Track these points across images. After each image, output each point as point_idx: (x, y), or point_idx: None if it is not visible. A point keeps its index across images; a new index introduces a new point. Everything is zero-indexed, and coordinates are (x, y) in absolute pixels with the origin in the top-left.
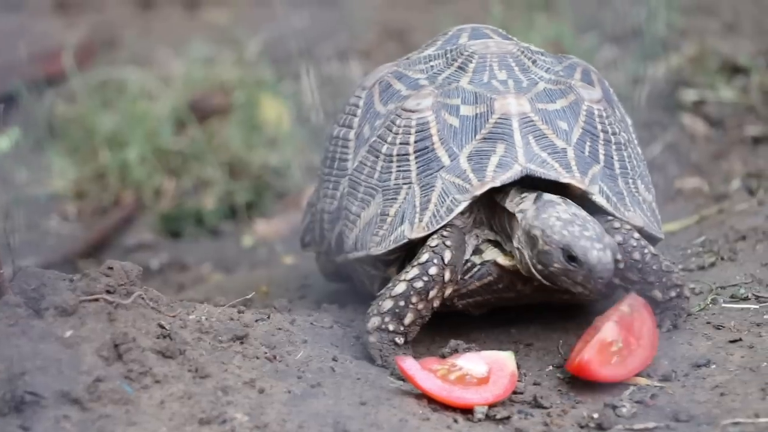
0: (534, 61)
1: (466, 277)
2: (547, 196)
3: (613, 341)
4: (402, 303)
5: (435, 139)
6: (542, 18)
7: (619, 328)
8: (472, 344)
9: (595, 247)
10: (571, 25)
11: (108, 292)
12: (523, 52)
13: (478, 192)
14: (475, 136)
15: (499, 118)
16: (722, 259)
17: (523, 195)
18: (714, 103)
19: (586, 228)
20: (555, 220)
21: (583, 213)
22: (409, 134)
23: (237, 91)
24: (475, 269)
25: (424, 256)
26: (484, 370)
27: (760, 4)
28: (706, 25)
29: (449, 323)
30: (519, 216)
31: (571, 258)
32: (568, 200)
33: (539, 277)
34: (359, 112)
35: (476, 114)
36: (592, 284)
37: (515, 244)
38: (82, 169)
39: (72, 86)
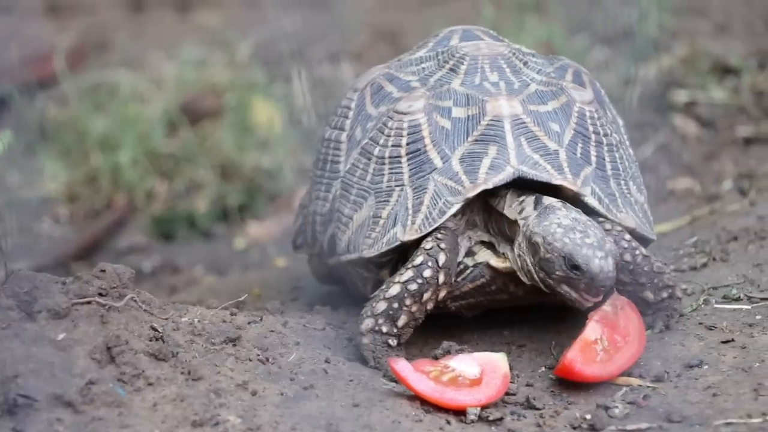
0: (525, 63)
1: (458, 279)
2: (546, 200)
3: (596, 340)
4: (396, 305)
5: (427, 141)
6: (533, 19)
7: (602, 327)
8: (465, 346)
9: (597, 255)
10: (563, 27)
11: (100, 294)
12: (514, 54)
13: (471, 194)
14: (467, 138)
15: (491, 120)
16: (714, 259)
17: (521, 199)
18: (705, 104)
19: (587, 235)
20: (556, 227)
21: (584, 217)
22: (401, 136)
23: (228, 93)
24: (468, 271)
25: (419, 259)
26: (476, 371)
27: (751, 5)
28: (697, 26)
29: (442, 325)
30: (521, 223)
31: (573, 266)
32: (568, 204)
33: (542, 286)
34: (351, 114)
35: (468, 116)
36: (594, 291)
37: (516, 250)
38: (74, 172)
39: (64, 89)
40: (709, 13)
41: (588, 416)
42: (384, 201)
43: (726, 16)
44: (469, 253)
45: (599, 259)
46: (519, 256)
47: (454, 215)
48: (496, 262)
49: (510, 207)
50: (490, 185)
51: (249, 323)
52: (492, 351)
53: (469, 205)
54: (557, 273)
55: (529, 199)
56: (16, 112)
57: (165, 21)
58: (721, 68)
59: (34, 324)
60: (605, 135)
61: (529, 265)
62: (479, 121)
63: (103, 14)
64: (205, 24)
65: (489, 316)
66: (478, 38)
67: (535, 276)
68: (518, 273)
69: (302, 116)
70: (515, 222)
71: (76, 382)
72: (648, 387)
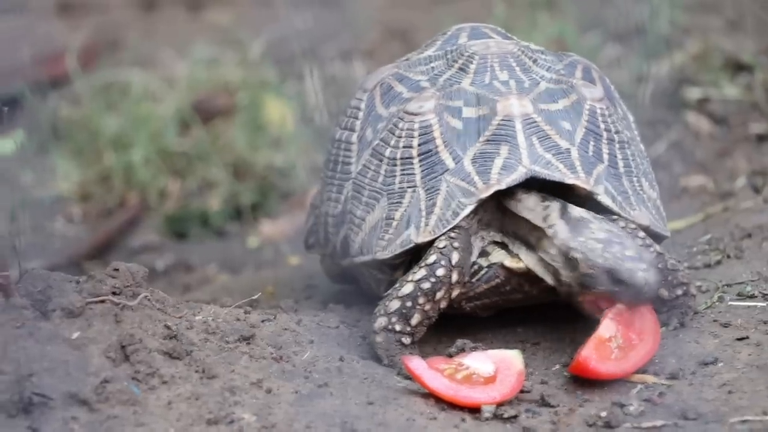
0: (535, 61)
1: (473, 280)
2: (574, 211)
3: (611, 337)
4: (409, 303)
5: (438, 142)
6: (545, 17)
7: (617, 325)
8: (479, 343)
9: (640, 268)
10: (574, 24)
11: (114, 293)
12: (523, 52)
13: (484, 195)
14: (478, 138)
15: (502, 120)
16: (728, 256)
17: (545, 204)
18: (718, 100)
19: (626, 247)
20: (594, 243)
21: (616, 227)
22: (412, 137)
23: (241, 92)
24: (482, 272)
25: (432, 257)
26: (491, 369)
27: (763, 2)
28: (709, 23)
29: (456, 323)
30: (549, 232)
31: (617, 281)
32: (596, 215)
33: (563, 295)
34: (361, 114)
35: (479, 116)
36: (638, 302)
37: (548, 260)
38: (86, 171)
39: (76, 88)
40: (721, 10)
41: (603, 414)
42: (396, 202)
43: (738, 12)
44: (483, 253)
45: (643, 272)
46: (551, 265)
47: (468, 215)
48: (511, 263)
49: (533, 211)
50: (503, 186)
51: (263, 321)
52: (506, 348)
53: (482, 205)
54: (600, 287)
55: (555, 206)
56: (29, 111)
57: (177, 20)
58: (733, 65)
59: (48, 323)
60: (616, 132)
61: (564, 277)
62: (490, 121)
63: (114, 13)
64: (216, 23)
65: (503, 314)
66: (487, 36)
67: (564, 287)
68: (544, 278)
69: (315, 114)
70: (536, 226)
71: (90, 381)
72: (663, 384)
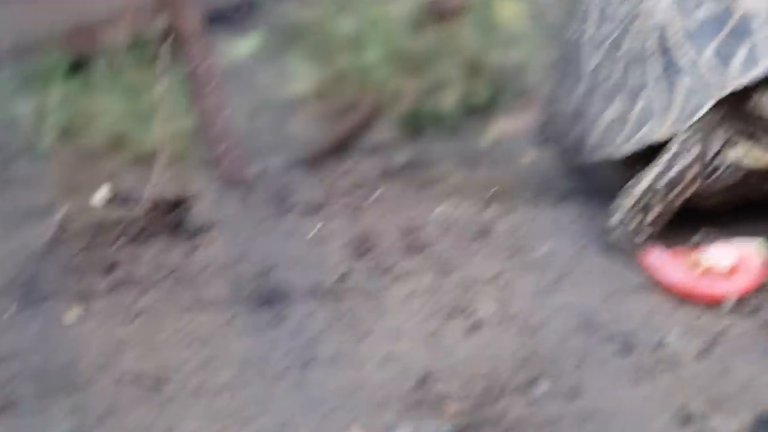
0: None
1: (711, 179)
2: None
3: None
4: (645, 199)
5: (674, 40)
6: None
7: None
8: (718, 235)
9: None
10: None
11: (351, 190)
12: None
13: (724, 92)
14: (715, 35)
15: (742, 16)
16: None
17: None
18: None
19: None
20: None
21: None
22: (647, 36)
23: None
24: (722, 169)
25: (669, 153)
26: (732, 261)
27: None
28: None
29: (693, 215)
30: None
31: None
32: None
33: None
34: (594, 13)
35: (716, 13)
36: None
37: None
38: (321, 72)
39: None
40: None
41: None
42: (632, 101)
43: None
44: (723, 150)
45: None
46: None
47: (706, 112)
48: (753, 159)
49: None
50: (743, 81)
51: (499, 216)
52: (748, 239)
53: (721, 102)
54: None
55: None
56: (264, 14)
57: None
58: None
59: (286, 219)
60: None
61: None
62: (728, 19)
63: None
64: None
65: (744, 207)
66: None
67: None
68: None
69: (547, 13)
70: None
71: (330, 275)
72: None
